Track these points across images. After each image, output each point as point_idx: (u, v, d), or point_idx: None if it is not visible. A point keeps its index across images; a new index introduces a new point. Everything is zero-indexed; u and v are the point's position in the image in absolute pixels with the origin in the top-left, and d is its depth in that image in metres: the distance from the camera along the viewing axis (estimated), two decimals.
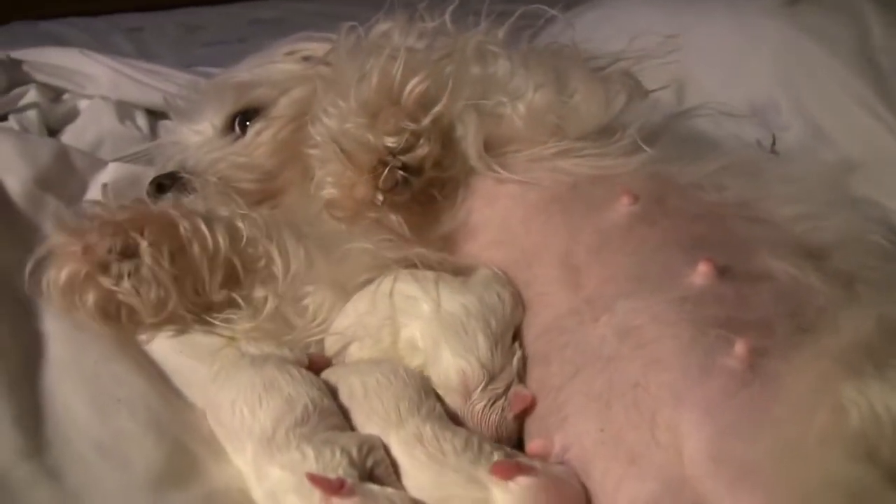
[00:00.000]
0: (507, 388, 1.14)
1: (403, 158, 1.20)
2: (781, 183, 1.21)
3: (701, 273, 1.04)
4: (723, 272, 1.04)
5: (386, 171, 1.19)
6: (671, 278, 1.06)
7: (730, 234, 1.13)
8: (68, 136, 1.88)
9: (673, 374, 0.97)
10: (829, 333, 0.89)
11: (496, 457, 1.02)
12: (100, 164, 1.64)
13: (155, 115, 1.99)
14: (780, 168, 1.30)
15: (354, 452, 1.01)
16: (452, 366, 1.14)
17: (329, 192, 1.25)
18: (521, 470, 0.98)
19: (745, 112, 1.36)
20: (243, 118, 1.51)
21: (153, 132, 1.96)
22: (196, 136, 1.54)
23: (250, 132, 1.50)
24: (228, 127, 1.53)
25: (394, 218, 1.25)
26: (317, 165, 1.28)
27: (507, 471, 0.98)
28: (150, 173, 1.51)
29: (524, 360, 1.16)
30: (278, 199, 1.44)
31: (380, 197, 1.21)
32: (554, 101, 1.25)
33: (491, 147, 1.27)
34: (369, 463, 1.01)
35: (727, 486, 0.87)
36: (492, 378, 1.13)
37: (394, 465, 1.04)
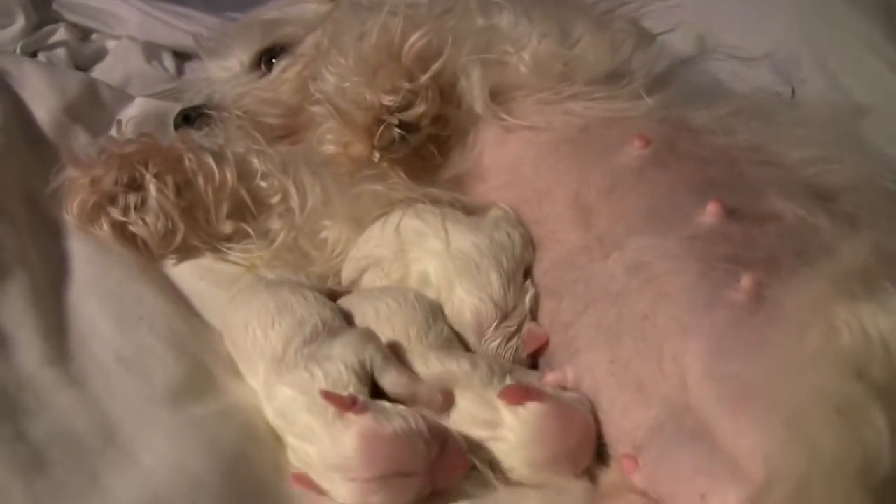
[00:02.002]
0: (520, 326, 1.16)
1: (401, 116, 1.21)
2: (792, 127, 1.22)
3: (710, 213, 1.06)
4: (731, 212, 1.06)
5: (381, 129, 1.21)
6: (681, 218, 1.08)
7: (740, 176, 1.14)
8: (96, 75, 1.86)
9: (680, 307, 1.00)
10: (827, 261, 0.91)
11: (508, 380, 1.05)
12: (127, 98, 1.66)
13: (181, 56, 2.02)
14: (790, 112, 1.30)
15: (358, 365, 1.04)
16: (466, 304, 1.17)
17: (328, 148, 1.27)
18: (531, 395, 1.01)
19: (758, 56, 1.35)
20: (270, 55, 1.54)
21: (179, 73, 1.98)
22: (223, 72, 1.56)
23: (276, 69, 1.52)
24: (255, 64, 1.55)
25: (393, 173, 1.28)
26: (318, 121, 1.31)
27: (518, 396, 1.01)
28: (176, 109, 1.54)
29: (536, 297, 1.19)
30: (300, 134, 1.45)
31: (377, 154, 1.23)
32: (559, 50, 1.26)
33: (498, 94, 1.28)
34: (370, 366, 1.05)
35: (728, 408, 0.90)
36: (505, 316, 1.16)
37: None
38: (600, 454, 1.04)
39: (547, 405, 1.01)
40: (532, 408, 1.01)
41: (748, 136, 1.19)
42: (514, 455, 1.01)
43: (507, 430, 1.01)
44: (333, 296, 1.22)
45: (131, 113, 1.59)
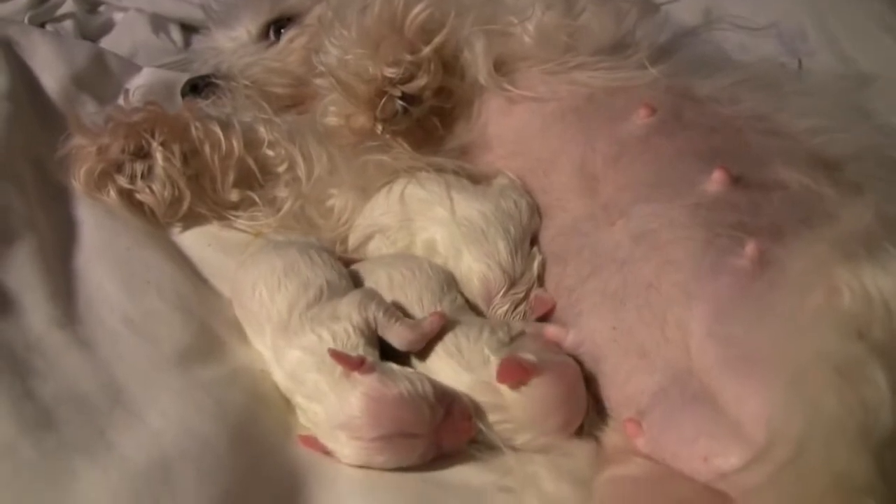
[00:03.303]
0: (528, 292, 1.17)
1: (403, 88, 1.22)
2: (798, 96, 1.22)
3: (715, 181, 1.07)
4: (736, 180, 1.07)
5: (384, 102, 1.22)
6: (686, 186, 1.09)
7: (745, 145, 1.14)
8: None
9: (685, 274, 1.01)
10: (829, 225, 0.91)
11: (493, 359, 1.04)
12: (135, 68, 1.67)
13: (189, 29, 2.02)
14: (796, 82, 1.30)
15: (363, 324, 1.05)
16: (474, 271, 1.17)
17: (331, 120, 1.28)
18: (529, 371, 1.01)
19: (764, 26, 1.35)
20: (278, 26, 1.54)
21: (187, 45, 1.98)
22: (231, 42, 1.56)
23: (284, 39, 1.52)
24: (263, 34, 1.55)
25: (396, 144, 1.28)
26: (321, 93, 1.31)
27: (516, 374, 1.01)
28: (183, 79, 1.54)
29: (543, 264, 1.20)
30: (307, 104, 1.45)
31: (379, 126, 1.24)
32: (563, 20, 1.26)
33: (502, 65, 1.29)
34: (374, 324, 1.06)
35: (730, 372, 0.91)
36: (513, 283, 1.17)
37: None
38: (603, 417, 1.05)
39: (547, 376, 1.02)
40: (535, 383, 1.01)
41: (753, 105, 1.19)
42: (526, 430, 1.02)
43: (514, 411, 1.02)
44: (345, 262, 1.22)
45: (139, 82, 1.60)
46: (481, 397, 1.03)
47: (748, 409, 0.87)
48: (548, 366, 1.03)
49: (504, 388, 1.02)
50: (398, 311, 1.09)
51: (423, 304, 1.12)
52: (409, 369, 1.03)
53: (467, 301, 1.17)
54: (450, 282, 1.17)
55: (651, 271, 1.04)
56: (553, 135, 1.25)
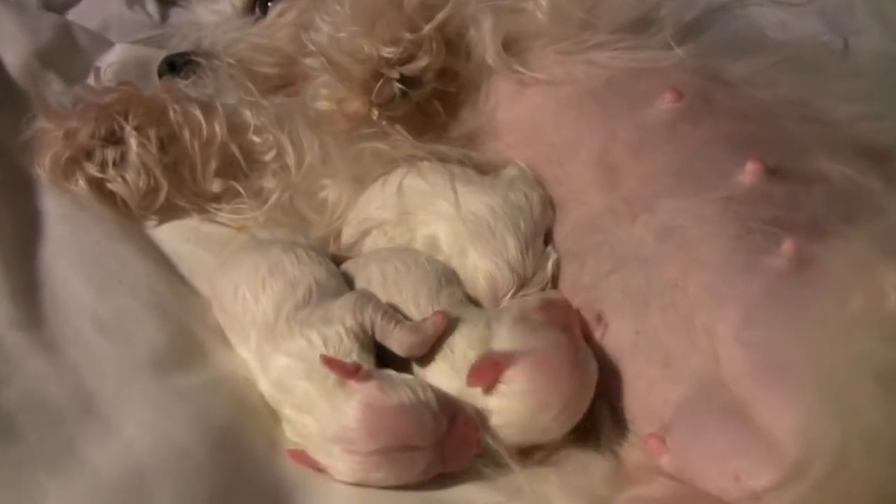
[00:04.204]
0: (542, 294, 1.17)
1: (401, 70, 1.22)
2: (842, 79, 1.22)
3: (749, 172, 1.07)
4: (772, 172, 1.07)
5: (380, 84, 1.22)
6: (717, 177, 1.09)
7: (782, 133, 1.15)
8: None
9: (714, 274, 1.01)
10: (874, 220, 0.93)
11: (471, 355, 1.05)
12: (106, 44, 1.68)
13: (166, 1, 2.03)
14: (841, 64, 1.31)
15: (358, 329, 1.06)
16: (480, 269, 1.18)
17: (321, 105, 1.29)
18: (498, 365, 1.02)
19: (805, 1, 1.35)
20: None
21: (164, 19, 2.00)
22: (214, 16, 1.58)
23: (272, 13, 1.53)
24: (249, 7, 1.57)
25: (394, 132, 1.29)
26: (312, 74, 1.31)
27: (486, 375, 1.02)
28: (160, 56, 1.55)
29: (558, 263, 1.20)
30: (298, 85, 1.46)
31: (375, 112, 1.25)
32: None
33: (512, 44, 1.29)
34: (371, 329, 1.07)
35: (763, 381, 0.91)
36: (523, 283, 1.17)
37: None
38: (623, 431, 1.06)
39: (520, 365, 1.02)
40: (509, 376, 1.02)
41: (792, 89, 1.19)
42: (525, 431, 1.03)
43: (503, 415, 1.02)
44: (337, 261, 1.22)
45: (110, 60, 1.61)
46: (477, 403, 1.03)
47: (783, 422, 0.87)
48: (524, 353, 1.03)
49: (484, 395, 1.02)
50: (397, 314, 1.09)
51: (419, 302, 1.13)
52: (408, 376, 1.04)
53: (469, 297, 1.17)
54: (448, 275, 1.17)
55: (677, 271, 1.05)
56: (569, 121, 1.25)
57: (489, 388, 1.02)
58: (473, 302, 1.17)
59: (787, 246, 0.98)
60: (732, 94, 1.20)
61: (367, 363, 1.04)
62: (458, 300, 1.14)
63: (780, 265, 0.98)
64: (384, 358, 1.08)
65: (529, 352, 1.04)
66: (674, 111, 1.19)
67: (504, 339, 1.06)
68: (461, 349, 1.07)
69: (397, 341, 1.07)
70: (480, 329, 1.07)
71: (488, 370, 1.02)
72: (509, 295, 1.17)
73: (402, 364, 1.08)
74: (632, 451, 1.03)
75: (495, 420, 1.02)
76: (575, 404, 1.04)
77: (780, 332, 0.91)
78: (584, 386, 1.04)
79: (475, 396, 1.03)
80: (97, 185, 1.30)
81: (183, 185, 1.35)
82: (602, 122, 1.22)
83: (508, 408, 1.02)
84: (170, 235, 1.32)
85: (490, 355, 1.03)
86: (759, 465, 0.89)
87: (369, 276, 1.16)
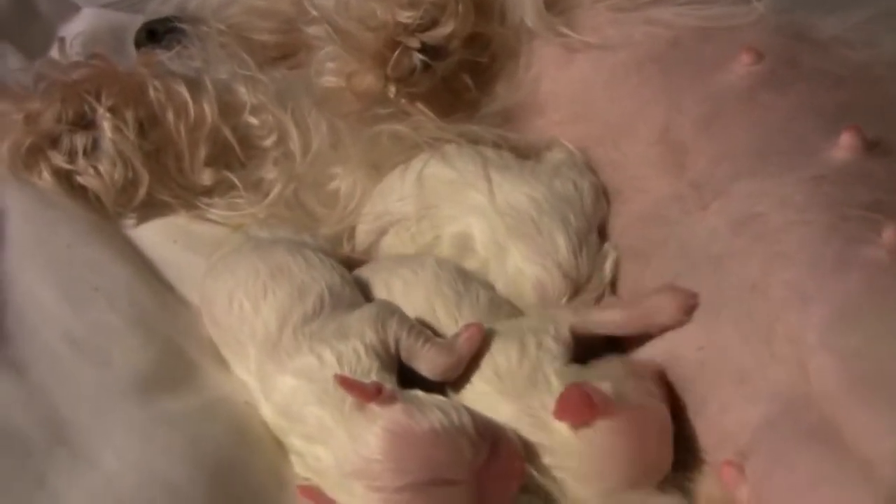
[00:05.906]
0: (599, 301, 1.18)
1: (423, 37, 1.24)
2: None
3: (844, 146, 1.08)
4: (872, 146, 1.08)
5: (397, 55, 1.23)
6: (804, 154, 1.11)
7: (883, 99, 1.16)
8: None
9: (801, 271, 1.02)
10: None
11: (555, 383, 1.06)
12: (72, 9, 1.70)
13: None
14: None
15: (379, 346, 1.07)
16: (526, 275, 1.19)
17: (327, 80, 1.30)
18: (598, 409, 1.01)
19: None
20: None
21: None
22: None
23: None
24: None
25: (415, 111, 1.30)
26: (317, 45, 1.33)
27: (580, 412, 1.01)
28: (137, 22, 1.57)
29: (617, 263, 1.21)
30: (301, 56, 1.48)
31: (392, 88, 1.26)
32: None
33: (557, 1, 1.31)
34: (394, 347, 1.08)
35: (859, 398, 0.92)
36: (577, 289, 1.18)
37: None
38: (693, 460, 1.07)
39: (621, 421, 1.02)
40: (602, 427, 1.02)
41: (894, 47, 1.20)
42: (581, 484, 1.03)
43: (566, 457, 1.03)
44: (350, 264, 1.23)
45: (77, 28, 1.63)
46: (526, 434, 1.04)
47: (882, 446, 0.88)
48: (627, 406, 1.03)
49: (559, 426, 1.02)
50: (426, 330, 1.10)
51: (436, 315, 1.14)
52: (439, 397, 1.04)
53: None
54: (465, 277, 1.17)
55: (756, 268, 1.05)
56: (626, 93, 1.27)
57: (575, 427, 1.02)
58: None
59: (889, 234, 0.99)
60: (823, 56, 1.22)
61: (390, 384, 1.04)
62: (483, 306, 1.16)
63: (882, 258, 0.99)
64: (405, 376, 1.09)
65: (632, 408, 1.04)
66: (752, 76, 1.20)
67: (606, 376, 1.06)
68: (516, 370, 1.07)
69: (428, 363, 1.08)
70: (552, 345, 1.08)
71: (584, 406, 1.01)
72: (562, 302, 1.18)
73: (427, 384, 1.09)
74: (704, 483, 1.05)
75: (549, 459, 1.03)
76: (646, 477, 1.04)
77: (882, 340, 0.92)
78: (663, 464, 1.05)
79: (535, 425, 1.04)
80: (65, 178, 1.32)
81: (167, 176, 1.36)
82: (666, 93, 1.24)
83: (577, 452, 1.02)
84: (153, 236, 1.34)
85: (587, 389, 1.02)
86: (855, 495, 0.89)
87: (390, 286, 1.18)
